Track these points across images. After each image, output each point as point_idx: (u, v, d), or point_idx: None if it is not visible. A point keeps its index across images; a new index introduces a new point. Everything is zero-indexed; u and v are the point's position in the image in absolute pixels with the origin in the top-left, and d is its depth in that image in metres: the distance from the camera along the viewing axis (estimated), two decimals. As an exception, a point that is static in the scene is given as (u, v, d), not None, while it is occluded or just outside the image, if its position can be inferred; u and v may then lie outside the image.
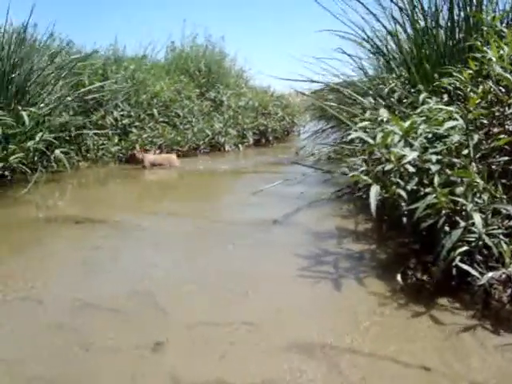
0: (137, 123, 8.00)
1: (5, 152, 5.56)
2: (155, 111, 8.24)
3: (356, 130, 3.28)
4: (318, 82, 6.87)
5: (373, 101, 4.58)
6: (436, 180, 2.42)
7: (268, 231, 3.72)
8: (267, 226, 3.82)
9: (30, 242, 3.67)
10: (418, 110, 3.05)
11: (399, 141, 2.64)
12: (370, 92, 5.12)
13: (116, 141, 7.56)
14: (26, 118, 5.71)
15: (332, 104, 5.80)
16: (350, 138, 3.37)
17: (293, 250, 3.11)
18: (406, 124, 2.66)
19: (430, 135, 2.72)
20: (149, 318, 2.24)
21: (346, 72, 6.73)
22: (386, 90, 4.49)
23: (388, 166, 2.64)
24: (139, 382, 1.71)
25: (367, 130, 3.25)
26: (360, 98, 5.19)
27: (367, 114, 3.79)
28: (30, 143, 5.84)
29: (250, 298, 2.41)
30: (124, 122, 7.87)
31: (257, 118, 10.61)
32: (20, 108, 5.81)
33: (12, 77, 6.01)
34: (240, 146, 9.65)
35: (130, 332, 2.10)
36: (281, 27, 23.58)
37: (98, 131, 7.44)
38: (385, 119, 3.13)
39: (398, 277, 2.50)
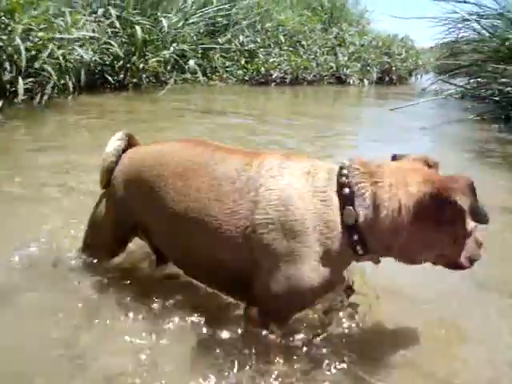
0: (262, 49, 7.74)
1: (143, 59, 5.59)
2: (282, 37, 7.93)
3: None
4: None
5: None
6: None
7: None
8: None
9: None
10: None
11: None
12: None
13: (242, 63, 7.37)
14: (164, 23, 5.64)
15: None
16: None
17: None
18: None
19: None
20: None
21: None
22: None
23: None
24: None
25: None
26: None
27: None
28: (165, 52, 5.81)
29: None
30: (250, 46, 7.64)
31: (380, 57, 9.99)
32: (159, 14, 5.75)
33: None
34: (365, 80, 9.11)
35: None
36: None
37: (225, 54, 7.29)
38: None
39: None
